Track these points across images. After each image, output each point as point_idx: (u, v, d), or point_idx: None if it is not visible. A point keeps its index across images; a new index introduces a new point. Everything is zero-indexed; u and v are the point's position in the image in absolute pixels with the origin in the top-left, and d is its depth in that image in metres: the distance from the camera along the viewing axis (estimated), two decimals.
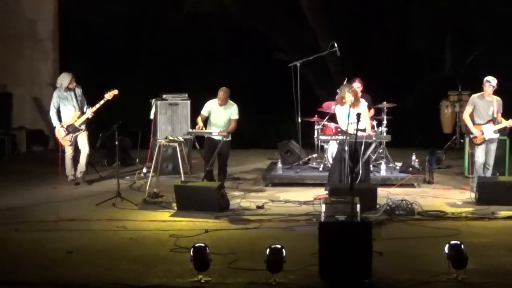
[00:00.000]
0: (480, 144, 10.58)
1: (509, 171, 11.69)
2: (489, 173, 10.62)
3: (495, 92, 10.56)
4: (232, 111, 10.71)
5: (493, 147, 10.63)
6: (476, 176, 10.58)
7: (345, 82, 11.07)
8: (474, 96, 10.75)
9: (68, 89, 11.44)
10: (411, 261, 7.20)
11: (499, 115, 10.56)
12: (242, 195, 10.53)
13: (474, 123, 10.62)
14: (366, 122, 10.29)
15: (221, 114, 10.68)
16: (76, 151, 11.57)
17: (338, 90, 10.40)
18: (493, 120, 10.53)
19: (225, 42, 19.33)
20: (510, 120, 10.55)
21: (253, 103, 17.78)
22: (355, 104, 10.01)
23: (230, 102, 10.72)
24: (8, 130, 15.65)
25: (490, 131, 10.51)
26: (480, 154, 10.60)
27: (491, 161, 10.63)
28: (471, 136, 10.72)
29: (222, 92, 10.62)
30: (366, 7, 18.34)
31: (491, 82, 10.40)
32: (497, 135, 10.59)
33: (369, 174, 10.56)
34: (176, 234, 8.17)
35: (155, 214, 9.38)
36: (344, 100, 10.07)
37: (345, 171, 9.98)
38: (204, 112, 10.75)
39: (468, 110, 10.69)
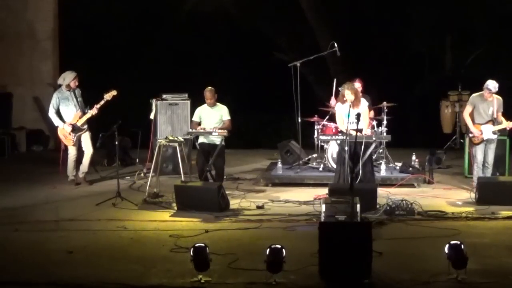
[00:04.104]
0: (479, 144, 10.63)
1: (509, 171, 11.70)
2: (488, 172, 10.64)
3: (481, 89, 10.63)
4: (222, 113, 10.78)
5: (492, 146, 10.66)
6: (475, 175, 10.63)
7: None
8: (474, 95, 10.80)
9: (68, 87, 11.41)
10: (411, 261, 7.20)
11: (499, 114, 10.60)
12: (242, 195, 10.53)
13: (474, 123, 10.66)
14: (365, 123, 10.25)
15: (212, 116, 10.76)
16: (79, 152, 11.56)
17: (340, 89, 10.43)
18: (493, 121, 10.57)
19: (225, 42, 19.34)
20: (510, 122, 10.58)
21: (253, 103, 17.83)
22: (355, 103, 9.98)
23: (219, 104, 10.79)
24: (8, 130, 15.66)
25: (489, 132, 10.55)
26: (478, 153, 10.65)
27: (490, 160, 10.66)
28: (470, 135, 10.77)
29: (208, 92, 10.71)
30: (366, 7, 18.36)
31: (491, 90, 10.44)
32: (495, 136, 10.62)
33: (373, 174, 10.52)
34: (176, 234, 8.17)
35: (155, 214, 9.38)
36: (344, 98, 10.06)
37: (345, 171, 9.99)
38: (195, 118, 10.89)
39: (468, 109, 10.73)
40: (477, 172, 10.65)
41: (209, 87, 10.76)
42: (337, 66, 17.33)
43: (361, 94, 10.85)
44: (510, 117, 10.70)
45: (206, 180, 10.59)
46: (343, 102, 10.10)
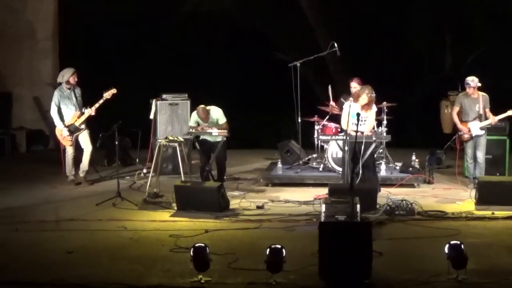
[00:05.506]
0: (468, 141, 10.88)
1: (509, 171, 11.72)
2: (481, 168, 10.82)
3: (483, 89, 10.88)
4: (218, 117, 10.83)
5: (482, 142, 10.86)
6: (468, 173, 10.97)
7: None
8: (460, 94, 11.22)
9: (68, 83, 11.41)
10: (411, 261, 7.20)
11: (487, 111, 10.85)
12: (242, 195, 10.53)
13: (461, 121, 10.94)
14: (368, 127, 10.25)
15: (208, 123, 10.84)
16: (78, 151, 11.56)
17: (358, 87, 10.53)
18: (479, 117, 10.81)
19: (225, 42, 19.33)
20: (495, 116, 10.79)
21: (253, 103, 17.80)
22: (365, 107, 10.04)
23: (212, 109, 10.81)
24: (8, 130, 15.65)
25: (476, 128, 10.81)
26: (468, 150, 10.93)
27: (482, 155, 10.86)
28: (459, 133, 11.01)
29: (201, 111, 10.78)
30: (366, 7, 18.34)
31: (470, 84, 10.76)
32: (483, 132, 10.84)
33: (375, 174, 10.52)
34: (176, 234, 8.17)
35: (155, 214, 9.38)
36: (359, 99, 10.10)
37: (345, 171, 10.00)
38: (192, 123, 10.98)
39: (455, 109, 11.07)
40: (470, 168, 10.94)
41: (201, 106, 10.80)
42: (337, 66, 17.32)
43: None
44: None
45: (206, 180, 10.59)
46: (356, 101, 10.11)
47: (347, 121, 10.13)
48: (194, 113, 10.96)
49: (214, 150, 10.78)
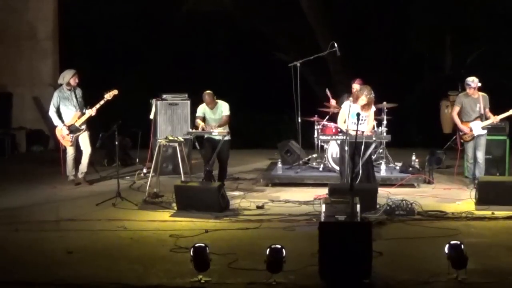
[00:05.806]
0: (469, 140, 10.91)
1: (509, 171, 11.73)
2: (481, 168, 10.83)
3: (483, 89, 10.91)
4: (223, 109, 10.85)
5: (483, 141, 10.91)
6: (468, 173, 11.00)
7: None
8: (460, 95, 11.25)
9: (69, 85, 11.40)
10: (411, 261, 7.20)
11: (487, 110, 10.89)
12: (242, 195, 10.53)
13: (462, 121, 10.96)
14: (368, 127, 10.25)
15: (214, 114, 10.88)
16: (78, 152, 11.56)
17: (358, 87, 10.52)
18: (481, 117, 10.85)
19: (225, 42, 19.35)
20: (496, 116, 10.82)
21: (253, 103, 17.81)
22: (365, 108, 10.04)
23: (220, 102, 10.84)
24: (8, 130, 15.66)
25: (478, 128, 10.84)
26: (469, 150, 10.96)
27: (482, 155, 10.90)
28: (461, 133, 11.04)
29: (206, 96, 10.79)
30: (366, 7, 18.36)
31: (470, 85, 10.82)
32: (484, 132, 10.88)
33: (374, 177, 10.53)
34: (176, 234, 8.17)
35: (155, 214, 9.38)
36: (358, 100, 10.09)
37: (345, 171, 10.00)
38: (199, 113, 10.92)
39: (456, 109, 11.07)
40: (470, 168, 10.99)
41: (207, 91, 10.79)
42: (337, 66, 17.34)
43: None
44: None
45: (208, 180, 10.57)
46: (356, 101, 10.11)
47: (345, 120, 10.12)
48: (200, 105, 10.94)
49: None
